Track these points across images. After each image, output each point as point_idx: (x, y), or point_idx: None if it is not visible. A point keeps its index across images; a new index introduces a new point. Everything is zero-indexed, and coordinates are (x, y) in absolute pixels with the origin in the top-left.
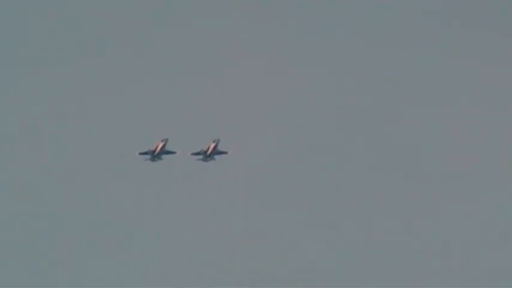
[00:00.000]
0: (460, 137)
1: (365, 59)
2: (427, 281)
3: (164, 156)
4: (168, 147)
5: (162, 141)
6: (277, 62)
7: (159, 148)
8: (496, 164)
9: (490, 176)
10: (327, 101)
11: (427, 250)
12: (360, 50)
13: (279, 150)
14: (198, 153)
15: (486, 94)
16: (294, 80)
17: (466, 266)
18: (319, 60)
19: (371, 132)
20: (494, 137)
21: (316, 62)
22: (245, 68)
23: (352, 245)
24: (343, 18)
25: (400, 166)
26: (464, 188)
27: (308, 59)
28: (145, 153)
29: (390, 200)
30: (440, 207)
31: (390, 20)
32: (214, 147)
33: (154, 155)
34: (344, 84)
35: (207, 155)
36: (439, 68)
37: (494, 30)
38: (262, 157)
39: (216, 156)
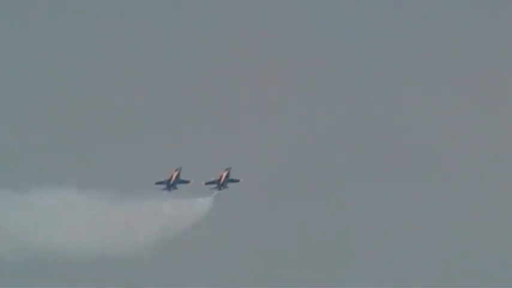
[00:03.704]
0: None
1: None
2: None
3: (179, 186)
4: (181, 176)
5: (176, 170)
6: (286, 89)
7: (174, 177)
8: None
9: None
10: (334, 125)
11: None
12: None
13: (288, 177)
14: (211, 182)
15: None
16: (303, 106)
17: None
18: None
19: (378, 145)
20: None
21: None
22: (253, 98)
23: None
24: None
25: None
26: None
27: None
28: (161, 182)
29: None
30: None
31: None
32: (227, 176)
33: (170, 185)
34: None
35: (220, 184)
36: (440, 68)
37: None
38: (272, 184)
39: (228, 185)
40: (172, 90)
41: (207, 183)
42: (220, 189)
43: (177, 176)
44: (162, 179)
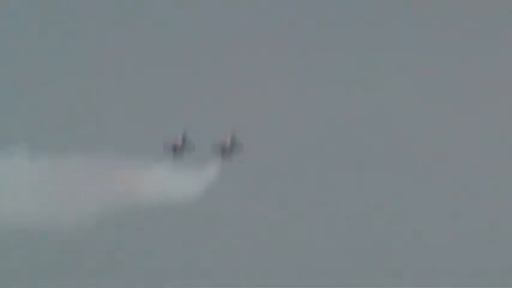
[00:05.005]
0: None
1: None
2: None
3: (184, 150)
4: (187, 140)
5: (180, 134)
6: (292, 55)
7: (179, 142)
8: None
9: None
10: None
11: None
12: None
13: (294, 144)
14: (216, 147)
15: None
16: (308, 73)
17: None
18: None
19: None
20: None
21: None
22: (260, 61)
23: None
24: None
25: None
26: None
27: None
28: (167, 147)
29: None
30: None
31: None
32: (232, 139)
33: (176, 149)
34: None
35: (225, 147)
36: (439, 68)
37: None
38: (278, 151)
39: (233, 148)
40: (177, 50)
41: (212, 148)
42: (225, 154)
43: (182, 141)
44: (168, 144)
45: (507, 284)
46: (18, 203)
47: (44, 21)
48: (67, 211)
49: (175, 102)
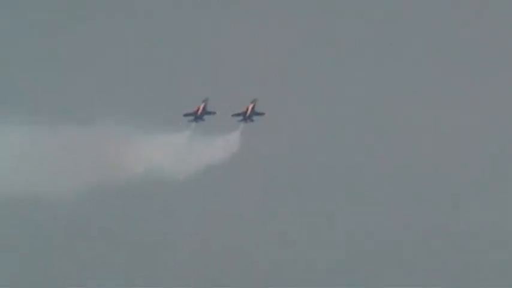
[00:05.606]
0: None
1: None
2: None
3: (206, 117)
4: (208, 108)
5: (202, 102)
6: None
7: (201, 109)
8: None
9: None
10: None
11: None
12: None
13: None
14: (238, 115)
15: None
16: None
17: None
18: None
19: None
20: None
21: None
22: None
23: None
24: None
25: None
26: None
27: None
28: (189, 114)
29: None
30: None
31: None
32: (253, 108)
33: (197, 116)
34: None
35: (246, 116)
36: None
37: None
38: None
39: (254, 117)
40: (198, 21)
41: (233, 115)
42: (246, 122)
43: (204, 108)
44: (190, 111)
45: None
46: (13, 171)
47: None
48: (61, 181)
49: (199, 72)
